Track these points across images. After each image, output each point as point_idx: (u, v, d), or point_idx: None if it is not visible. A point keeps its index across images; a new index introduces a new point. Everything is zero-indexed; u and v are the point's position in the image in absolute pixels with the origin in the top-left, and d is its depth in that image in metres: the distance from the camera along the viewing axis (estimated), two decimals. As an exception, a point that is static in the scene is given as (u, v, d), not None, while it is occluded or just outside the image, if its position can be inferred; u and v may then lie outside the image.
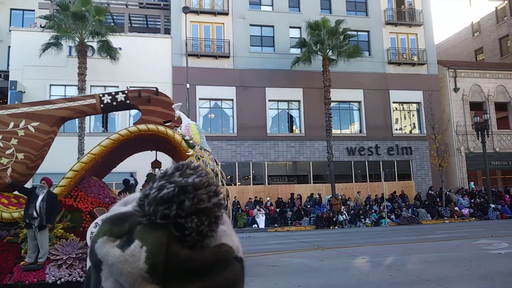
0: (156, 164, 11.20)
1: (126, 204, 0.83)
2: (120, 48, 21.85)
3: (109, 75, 22.26)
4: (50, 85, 21.78)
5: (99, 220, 7.43)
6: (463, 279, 7.44)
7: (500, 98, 27.65)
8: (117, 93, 9.56)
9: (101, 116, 23.11)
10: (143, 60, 22.94)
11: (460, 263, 8.96)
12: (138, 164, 21.37)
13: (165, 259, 0.70)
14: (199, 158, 4.38)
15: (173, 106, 5.75)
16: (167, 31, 25.59)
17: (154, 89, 9.92)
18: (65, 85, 22.01)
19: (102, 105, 9.22)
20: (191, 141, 4.85)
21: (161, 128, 8.41)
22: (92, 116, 22.65)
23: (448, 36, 37.90)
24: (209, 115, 24.41)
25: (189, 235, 0.71)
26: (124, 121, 22.65)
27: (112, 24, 25.36)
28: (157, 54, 23.40)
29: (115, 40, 20.99)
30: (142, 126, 8.37)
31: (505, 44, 32.86)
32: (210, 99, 24.15)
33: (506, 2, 32.44)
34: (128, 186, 12.06)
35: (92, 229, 7.55)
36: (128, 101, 9.48)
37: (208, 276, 0.72)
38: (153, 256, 0.69)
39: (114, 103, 9.32)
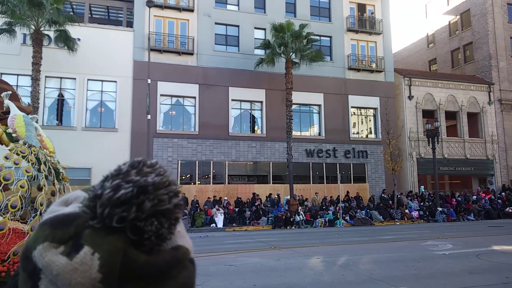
0: None
1: (67, 204, 0.75)
2: (79, 39, 21.07)
3: (66, 66, 21.40)
4: (2, 73, 20.59)
5: None
6: (410, 278, 7.81)
7: (450, 107, 29.25)
8: None
9: (56, 109, 22.21)
10: (103, 53, 22.23)
11: (408, 263, 9.42)
12: (95, 160, 20.80)
13: (121, 266, 0.64)
14: (18, 154, 4.13)
15: (2, 95, 5.23)
16: (130, 24, 24.96)
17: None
18: (17, 75, 20.91)
19: None
20: (14, 135, 4.40)
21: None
22: (46, 109, 21.71)
23: (405, 45, 39.60)
24: (171, 112, 24.05)
25: (148, 239, 0.67)
26: (80, 114, 21.85)
27: (71, 13, 24.37)
28: (118, 47, 22.76)
29: (74, 30, 20.21)
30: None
31: (456, 57, 34.81)
32: (172, 96, 23.80)
33: (458, 17, 34.37)
34: None
35: None
36: None
37: (165, 281, 0.68)
38: (108, 264, 0.64)
39: None
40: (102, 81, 22.53)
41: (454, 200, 25.46)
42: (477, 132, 29.85)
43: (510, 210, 24.56)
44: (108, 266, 0.63)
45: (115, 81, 22.64)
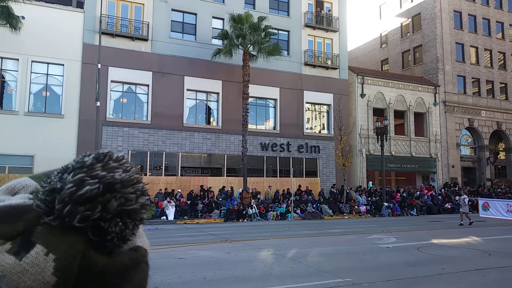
0: None
1: (12, 193, 0.66)
2: (23, 17, 19.63)
3: (8, 45, 19.93)
4: None
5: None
6: (356, 270, 8.09)
7: (399, 107, 30.54)
8: None
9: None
10: (50, 34, 20.93)
11: (355, 255, 9.74)
12: (38, 148, 19.61)
13: (78, 269, 0.57)
14: None
15: None
16: (80, 5, 23.65)
17: None
18: (-50, 51, 19.19)
19: None
20: None
21: None
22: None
23: (359, 44, 40.77)
24: (121, 100, 23.14)
25: (110, 240, 0.61)
26: (23, 98, 20.46)
27: (15, -12, 22.64)
28: (66, 28, 21.50)
29: (18, 7, 18.77)
30: None
31: (407, 58, 36.37)
32: (124, 83, 22.91)
33: (410, 20, 35.86)
34: None
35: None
36: None
37: (121, 283, 0.63)
38: (65, 267, 0.56)
39: None
40: (48, 63, 21.20)
41: (399, 195, 26.71)
42: (422, 131, 31.44)
43: (449, 206, 26.15)
44: (65, 269, 0.56)
45: (62, 64, 21.40)
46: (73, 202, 0.59)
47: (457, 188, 29.40)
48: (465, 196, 18.85)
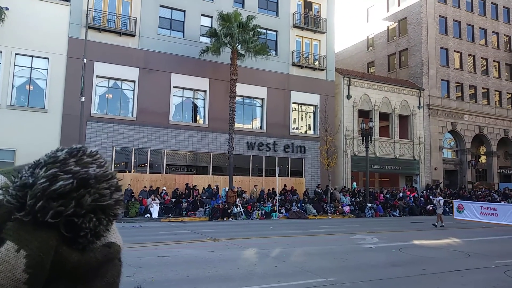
0: None
1: None
2: (7, 8, 19.27)
3: (-10, 37, 19.47)
4: None
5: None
6: (339, 270, 8.19)
7: (384, 109, 30.93)
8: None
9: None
10: (35, 26, 20.54)
11: (338, 255, 9.84)
12: (20, 142, 19.23)
13: (51, 266, 0.56)
14: None
15: None
16: (66, -2, 23.26)
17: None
18: None
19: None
20: None
21: None
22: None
23: (346, 46, 41.12)
24: (107, 95, 22.85)
25: (84, 236, 0.60)
26: (5, 91, 20.03)
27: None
28: (52, 21, 21.12)
29: (1, -2, 18.41)
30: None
31: (392, 61, 36.85)
32: (109, 78, 22.63)
33: (396, 23, 36.34)
34: None
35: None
36: None
37: (93, 279, 0.62)
38: (37, 264, 0.55)
39: None
40: (32, 56, 20.80)
41: (382, 196, 27.07)
42: (406, 133, 31.91)
43: (430, 208, 26.60)
44: (37, 266, 0.54)
45: (47, 58, 21.02)
46: (46, 198, 0.58)
47: (438, 190, 29.95)
48: (440, 197, 19.22)
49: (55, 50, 21.09)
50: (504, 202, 26.87)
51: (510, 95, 38.50)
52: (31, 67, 20.87)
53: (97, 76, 22.08)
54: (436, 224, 17.90)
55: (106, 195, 0.63)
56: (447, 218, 18.42)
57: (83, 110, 19.06)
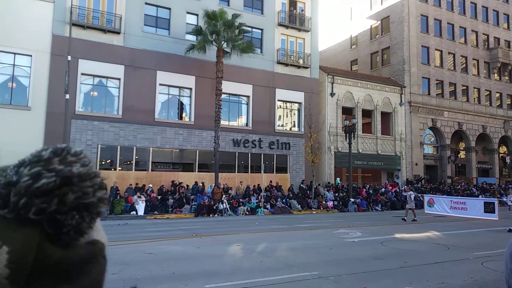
0: None
1: None
2: (-12, 5, 18.93)
3: (-29, 33, 19.15)
4: None
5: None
6: (323, 264, 8.43)
7: (367, 106, 31.48)
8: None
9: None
10: (17, 23, 20.26)
11: (322, 250, 10.15)
12: (3, 140, 19.01)
13: (33, 262, 0.58)
14: None
15: None
16: (49, -6, 22.95)
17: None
18: None
19: None
20: None
21: None
22: None
23: (330, 45, 41.55)
24: (92, 93, 22.72)
25: (67, 233, 0.62)
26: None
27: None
28: (35, 18, 20.85)
29: (-18, -6, 18.12)
30: None
31: (375, 59, 37.44)
32: (94, 76, 22.49)
33: (379, 22, 36.91)
34: None
35: None
36: None
37: (77, 277, 0.65)
38: (19, 259, 0.57)
39: None
40: (14, 53, 20.52)
41: (365, 191, 27.64)
42: (388, 130, 32.56)
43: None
44: (19, 261, 0.57)
45: (30, 55, 20.77)
46: (29, 195, 0.59)
47: (419, 185, 30.70)
48: (411, 192, 19.77)
49: (39, 47, 20.86)
50: (482, 196, 27.75)
51: (488, 92, 39.58)
52: (14, 64, 20.60)
53: (82, 74, 21.93)
54: (405, 218, 18.48)
55: (89, 193, 0.64)
56: (417, 212, 18.95)
57: (67, 108, 18.95)
